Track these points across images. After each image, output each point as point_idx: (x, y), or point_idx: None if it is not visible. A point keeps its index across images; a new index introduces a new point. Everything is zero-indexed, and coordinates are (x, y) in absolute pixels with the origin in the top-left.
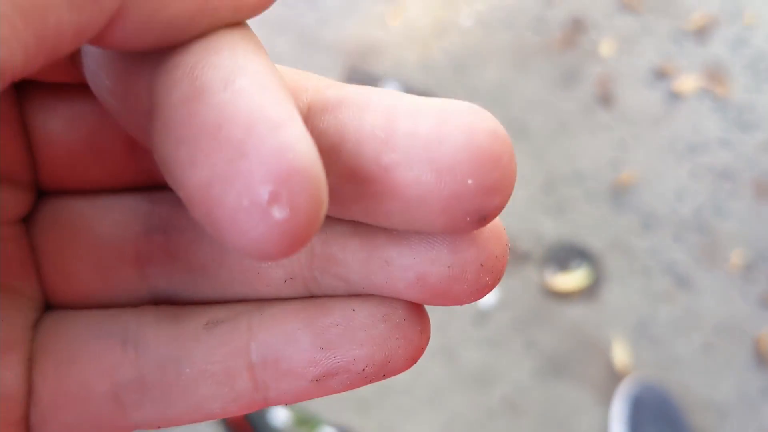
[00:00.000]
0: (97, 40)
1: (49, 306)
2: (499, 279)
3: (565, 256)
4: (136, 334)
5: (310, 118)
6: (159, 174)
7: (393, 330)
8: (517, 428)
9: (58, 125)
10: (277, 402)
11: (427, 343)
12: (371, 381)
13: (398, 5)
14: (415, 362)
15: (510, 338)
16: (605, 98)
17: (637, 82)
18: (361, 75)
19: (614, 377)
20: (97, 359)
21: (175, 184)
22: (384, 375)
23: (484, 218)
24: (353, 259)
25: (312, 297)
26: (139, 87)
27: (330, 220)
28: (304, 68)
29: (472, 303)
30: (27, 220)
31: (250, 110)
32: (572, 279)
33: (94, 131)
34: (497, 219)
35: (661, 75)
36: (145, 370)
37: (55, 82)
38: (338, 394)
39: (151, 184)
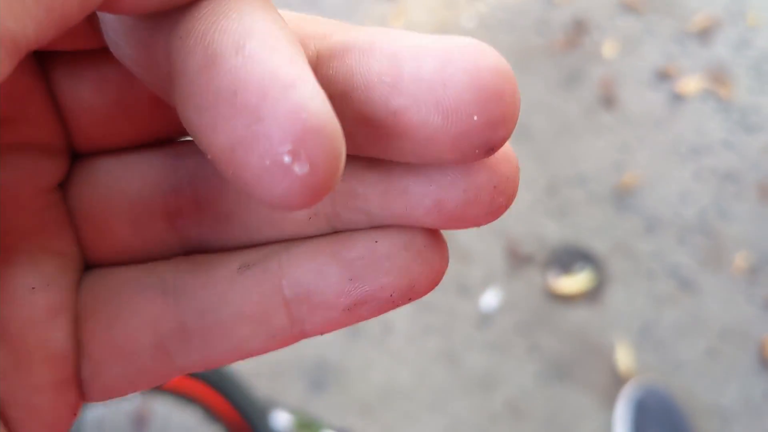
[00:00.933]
0: (106, 6)
1: (88, 265)
2: (512, 200)
3: (569, 259)
4: (174, 284)
5: (319, 66)
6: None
7: (415, 257)
8: None
9: (86, 90)
10: (313, 333)
11: (447, 267)
12: (398, 306)
13: (400, 6)
14: (437, 285)
15: (513, 342)
16: (608, 100)
17: (640, 84)
18: None
19: (618, 381)
20: (139, 312)
21: (201, 146)
22: (410, 299)
23: (491, 149)
24: (372, 192)
25: (335, 232)
26: (158, 55)
27: (347, 157)
28: None
29: (477, 300)
30: (63, 185)
31: (262, 74)
32: (575, 282)
33: (120, 91)
34: (506, 144)
35: (664, 76)
36: (185, 318)
37: (79, 49)
38: (340, 400)
39: (178, 134)
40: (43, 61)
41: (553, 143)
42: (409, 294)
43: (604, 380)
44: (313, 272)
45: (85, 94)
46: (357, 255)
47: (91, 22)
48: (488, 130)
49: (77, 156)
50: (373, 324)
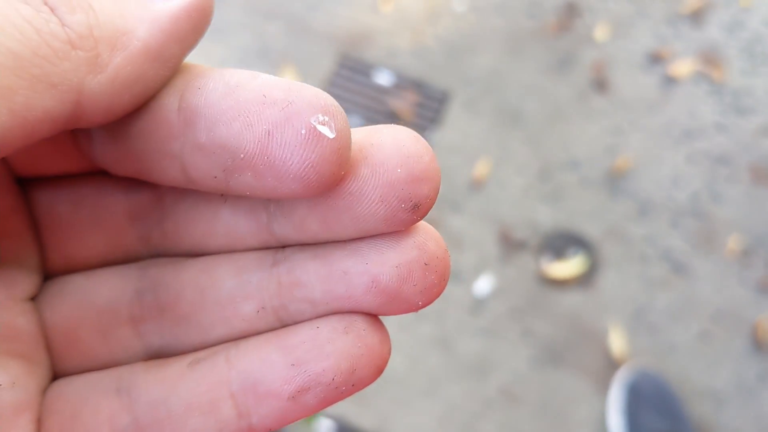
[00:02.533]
0: (73, 123)
1: (57, 374)
2: (445, 280)
3: (562, 243)
4: (129, 382)
5: None
6: (155, 238)
7: (355, 340)
8: (515, 417)
9: (64, 210)
10: (261, 427)
11: (389, 354)
12: (343, 394)
13: None
14: (381, 372)
15: (507, 327)
16: (600, 83)
17: (633, 67)
18: (352, 63)
19: (611, 365)
20: (96, 411)
21: (230, 153)
22: (354, 385)
23: (417, 206)
24: (316, 278)
25: (283, 326)
26: (159, 118)
27: (292, 249)
28: (294, 57)
29: (470, 286)
30: (36, 298)
31: (281, 81)
32: (569, 267)
33: (96, 210)
34: (432, 228)
35: (656, 59)
36: (138, 413)
37: (60, 174)
38: None
39: (147, 250)
40: (24, 182)
41: (546, 127)
42: (353, 379)
43: (598, 364)
44: (258, 362)
45: (62, 214)
46: (299, 341)
47: (73, 143)
48: (412, 183)
49: (50, 270)
50: None
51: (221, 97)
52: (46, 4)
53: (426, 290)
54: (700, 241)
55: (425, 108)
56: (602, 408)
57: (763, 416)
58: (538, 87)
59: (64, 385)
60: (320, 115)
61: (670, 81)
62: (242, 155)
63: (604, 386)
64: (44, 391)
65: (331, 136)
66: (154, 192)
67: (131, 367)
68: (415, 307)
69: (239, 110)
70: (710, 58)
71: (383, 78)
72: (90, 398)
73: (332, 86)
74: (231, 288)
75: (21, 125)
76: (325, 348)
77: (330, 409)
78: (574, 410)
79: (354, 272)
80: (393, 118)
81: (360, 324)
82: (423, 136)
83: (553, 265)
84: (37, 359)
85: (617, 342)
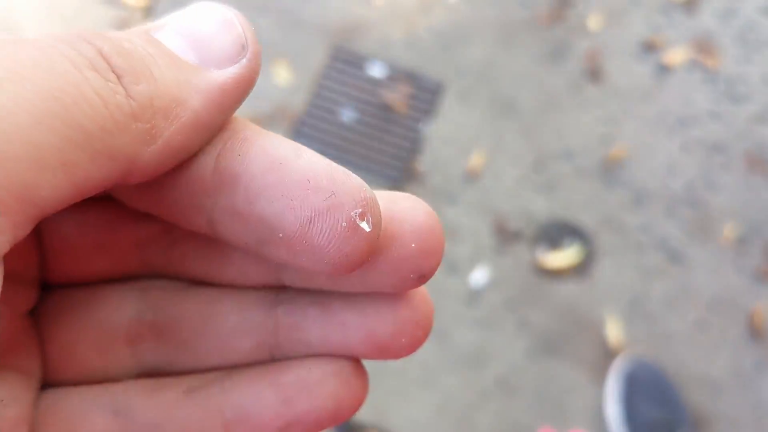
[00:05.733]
0: (123, 180)
1: (47, 383)
2: (428, 334)
3: (557, 233)
4: (127, 404)
5: None
6: (159, 263)
7: (343, 384)
8: (512, 408)
9: (70, 231)
10: None
11: (366, 394)
12: (323, 428)
13: None
14: (357, 411)
15: (503, 318)
16: (594, 73)
17: (626, 56)
18: (345, 55)
19: (608, 355)
20: (92, 430)
21: (270, 230)
22: (334, 421)
23: (423, 276)
24: (313, 323)
25: (274, 361)
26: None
27: (293, 293)
28: (286, 50)
29: (466, 277)
30: (34, 311)
31: (325, 166)
32: (564, 257)
33: (100, 234)
34: (424, 288)
35: (650, 48)
36: None
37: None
38: None
39: (148, 271)
40: None
41: (540, 118)
42: (335, 417)
43: (595, 354)
44: (251, 396)
45: (68, 235)
46: (291, 380)
47: None
48: (422, 257)
49: (49, 282)
50: None
51: (264, 172)
52: (113, 71)
53: (412, 344)
54: (695, 230)
55: (419, 100)
56: (599, 397)
57: (760, 404)
58: (532, 77)
59: (57, 398)
60: (360, 209)
61: (663, 69)
62: (281, 234)
63: (600, 376)
64: (36, 403)
65: (368, 230)
66: (165, 224)
67: (126, 386)
68: (397, 357)
69: (283, 191)
70: (704, 46)
71: (376, 70)
72: (86, 416)
73: (325, 79)
74: (233, 323)
75: (76, 195)
76: (314, 390)
77: None
78: (571, 400)
79: (352, 324)
80: (387, 110)
81: (347, 369)
82: (417, 128)
83: (549, 255)
84: (31, 371)
85: (613, 331)
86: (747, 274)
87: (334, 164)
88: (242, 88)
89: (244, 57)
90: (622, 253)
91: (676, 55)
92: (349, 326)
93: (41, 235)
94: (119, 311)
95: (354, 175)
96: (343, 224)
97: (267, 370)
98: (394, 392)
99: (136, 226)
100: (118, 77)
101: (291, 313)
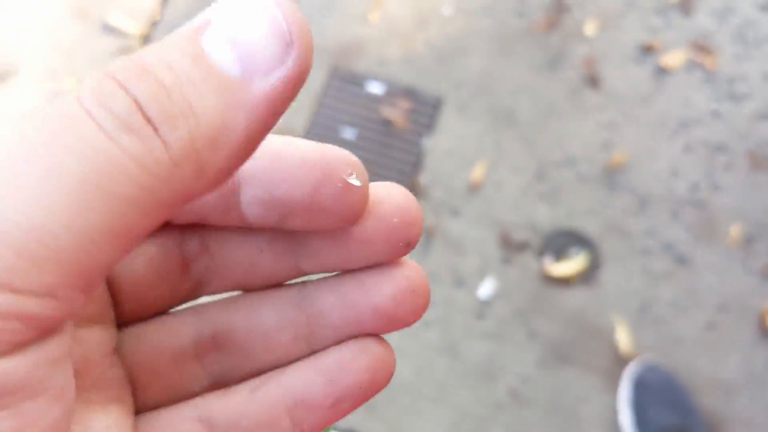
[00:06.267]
0: (181, 209)
1: (139, 410)
2: (428, 300)
3: (562, 242)
4: (207, 411)
5: None
6: (202, 281)
7: (372, 358)
8: (525, 419)
9: (134, 268)
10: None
11: (395, 362)
12: (368, 397)
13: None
14: (392, 376)
15: (512, 329)
16: (592, 79)
17: (624, 60)
18: (344, 74)
19: (619, 361)
20: None
21: (287, 209)
22: (375, 391)
23: (409, 243)
24: (332, 308)
25: (313, 352)
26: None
27: (312, 287)
28: None
29: (474, 290)
30: (117, 348)
31: (313, 145)
32: (571, 265)
33: (155, 264)
34: (414, 262)
35: (647, 51)
36: None
37: None
38: None
39: (195, 292)
40: None
41: (540, 126)
42: (373, 386)
43: (606, 362)
44: (303, 383)
45: (132, 272)
46: (331, 364)
47: None
48: (406, 228)
49: (124, 323)
50: None
51: (271, 163)
52: (149, 122)
53: (415, 311)
54: (701, 232)
55: (419, 114)
56: (613, 405)
57: None
58: (530, 86)
59: (151, 419)
60: (349, 170)
61: (662, 72)
62: (298, 206)
63: (613, 383)
64: (134, 425)
65: (359, 185)
66: (202, 242)
67: (203, 397)
68: (408, 324)
69: (289, 174)
70: (702, 46)
71: (375, 87)
72: (179, 428)
73: (325, 98)
74: (273, 322)
75: (132, 247)
76: (351, 366)
77: (341, 422)
78: (585, 409)
79: (360, 302)
80: (387, 126)
81: (372, 345)
82: (418, 143)
83: (555, 264)
84: (127, 401)
85: (624, 338)
86: (755, 274)
87: (320, 143)
88: (290, 91)
89: (290, 57)
90: (629, 258)
91: (674, 57)
92: (358, 305)
93: (112, 279)
94: (183, 333)
95: (338, 147)
96: (339, 185)
97: (309, 360)
98: (408, 410)
99: (180, 249)
100: (155, 129)
101: (314, 304)
